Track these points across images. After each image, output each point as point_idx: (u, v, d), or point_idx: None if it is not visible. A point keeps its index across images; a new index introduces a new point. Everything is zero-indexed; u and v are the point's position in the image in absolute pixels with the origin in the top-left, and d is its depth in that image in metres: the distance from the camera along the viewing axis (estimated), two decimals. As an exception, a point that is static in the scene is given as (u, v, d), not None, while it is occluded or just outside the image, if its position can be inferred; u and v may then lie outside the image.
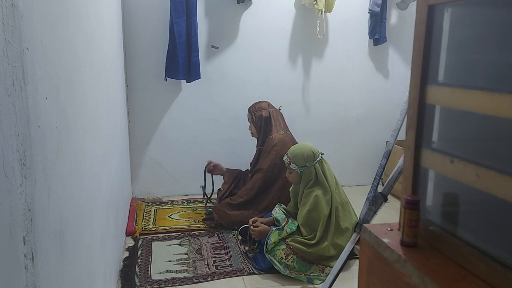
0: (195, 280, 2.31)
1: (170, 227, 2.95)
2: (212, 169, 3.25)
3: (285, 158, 2.53)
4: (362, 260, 1.35)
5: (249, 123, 3.22)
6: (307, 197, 2.44)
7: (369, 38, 3.71)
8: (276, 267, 2.35)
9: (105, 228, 1.86)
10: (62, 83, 1.15)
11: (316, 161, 2.46)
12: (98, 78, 1.81)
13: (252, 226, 2.56)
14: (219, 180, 3.35)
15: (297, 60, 3.66)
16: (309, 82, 3.72)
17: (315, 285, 2.31)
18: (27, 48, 0.86)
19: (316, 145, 2.59)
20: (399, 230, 1.24)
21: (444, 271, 1.05)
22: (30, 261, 0.84)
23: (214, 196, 3.33)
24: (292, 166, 2.48)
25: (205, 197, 3.31)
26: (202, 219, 3.06)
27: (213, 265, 2.47)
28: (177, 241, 2.77)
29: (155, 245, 2.70)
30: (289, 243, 2.38)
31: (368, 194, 1.93)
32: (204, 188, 3.28)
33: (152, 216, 3.15)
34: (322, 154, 2.52)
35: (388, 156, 1.93)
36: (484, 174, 0.98)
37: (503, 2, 0.99)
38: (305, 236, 2.42)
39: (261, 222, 2.57)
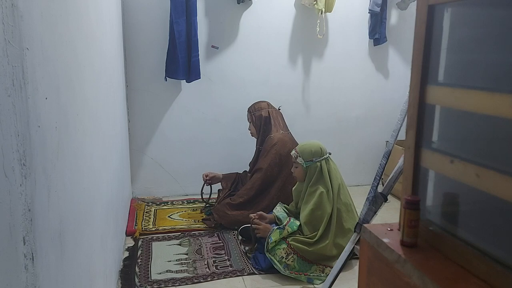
0: (195, 280, 2.31)
1: (170, 227, 2.95)
2: (210, 181, 3.26)
3: (293, 152, 2.56)
4: (362, 260, 1.35)
5: (248, 123, 3.23)
6: (311, 196, 2.45)
7: (369, 38, 3.71)
8: (276, 267, 2.35)
9: (105, 228, 1.86)
10: (62, 83, 1.15)
11: (323, 157, 2.47)
12: (98, 78, 1.81)
13: (255, 222, 2.54)
14: (217, 186, 3.35)
15: (297, 60, 3.66)
16: (309, 82, 3.72)
17: (315, 285, 2.31)
18: (27, 48, 0.86)
19: (316, 145, 2.59)
20: (399, 230, 1.24)
21: (444, 271, 1.05)
22: (30, 261, 0.84)
23: (214, 196, 3.34)
24: (299, 160, 2.49)
25: (204, 201, 3.33)
26: (202, 219, 3.07)
27: (213, 265, 2.47)
28: (177, 241, 2.77)
29: (155, 245, 2.70)
30: (289, 242, 2.38)
31: (368, 194, 1.93)
32: (202, 195, 3.31)
33: (152, 216, 3.15)
34: (330, 154, 2.54)
35: (388, 156, 1.93)
36: (484, 174, 0.98)
37: (503, 2, 0.99)
38: (306, 235, 2.42)
39: (265, 217, 2.57)
